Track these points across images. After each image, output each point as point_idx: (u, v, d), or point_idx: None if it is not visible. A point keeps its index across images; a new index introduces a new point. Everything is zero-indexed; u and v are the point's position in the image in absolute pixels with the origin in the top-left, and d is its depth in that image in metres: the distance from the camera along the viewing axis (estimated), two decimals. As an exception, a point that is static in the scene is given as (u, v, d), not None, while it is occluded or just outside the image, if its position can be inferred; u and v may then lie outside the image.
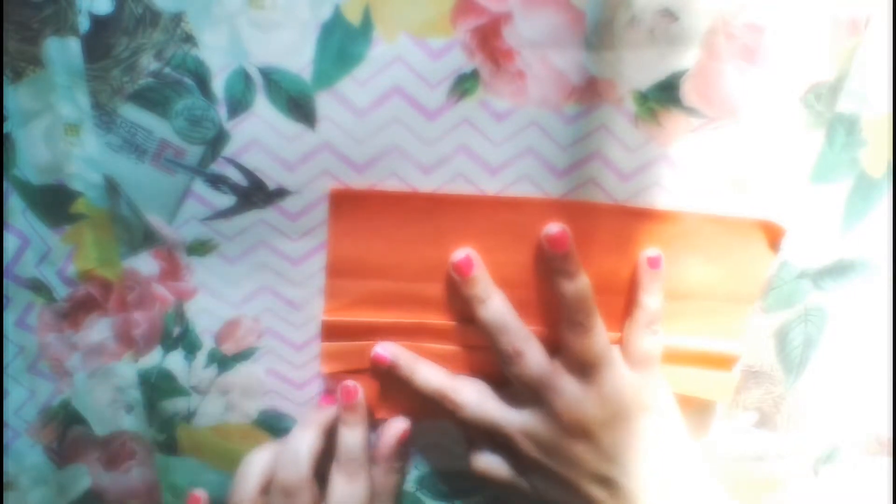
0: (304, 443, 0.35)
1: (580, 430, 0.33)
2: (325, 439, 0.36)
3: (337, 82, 0.30)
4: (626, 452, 0.33)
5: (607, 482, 0.33)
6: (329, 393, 0.38)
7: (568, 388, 0.33)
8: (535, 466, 0.34)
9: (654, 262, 0.33)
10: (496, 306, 0.33)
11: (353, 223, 0.33)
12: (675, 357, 0.35)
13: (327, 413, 0.37)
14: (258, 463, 0.36)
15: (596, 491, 0.33)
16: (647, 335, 0.33)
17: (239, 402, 0.39)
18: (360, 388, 0.36)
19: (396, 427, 0.37)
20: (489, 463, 0.36)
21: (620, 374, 0.33)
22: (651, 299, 0.33)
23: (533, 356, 0.33)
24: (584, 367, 0.33)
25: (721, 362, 0.36)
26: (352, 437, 0.36)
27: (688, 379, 0.36)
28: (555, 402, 0.33)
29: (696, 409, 0.38)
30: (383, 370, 0.36)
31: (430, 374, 0.35)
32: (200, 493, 0.39)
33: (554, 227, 0.32)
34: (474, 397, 0.35)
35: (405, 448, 0.38)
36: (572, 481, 0.33)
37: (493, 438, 0.36)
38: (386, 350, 0.35)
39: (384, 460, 0.37)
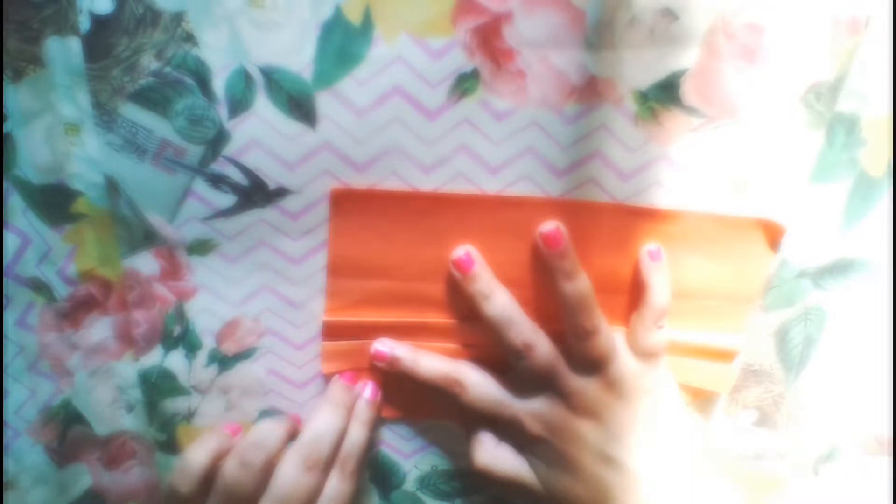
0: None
1: (587, 410, 0.33)
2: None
3: (337, 82, 0.30)
4: (631, 434, 0.33)
5: (613, 462, 0.33)
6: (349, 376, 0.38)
7: (575, 374, 0.34)
8: (541, 449, 0.35)
9: (654, 255, 0.33)
10: (501, 301, 0.33)
11: (353, 223, 0.33)
12: (676, 349, 0.36)
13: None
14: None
15: (601, 471, 0.33)
16: (654, 331, 0.34)
17: (239, 402, 0.39)
18: (376, 392, 0.37)
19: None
20: (491, 457, 0.36)
21: (625, 363, 0.34)
22: (658, 296, 0.33)
23: (542, 348, 0.33)
24: (590, 366, 0.33)
25: (721, 355, 0.37)
26: (359, 435, 0.36)
27: (689, 370, 0.36)
28: (562, 385, 0.33)
29: (697, 400, 0.38)
30: (384, 367, 0.36)
31: (433, 362, 0.35)
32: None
33: (549, 225, 0.32)
34: (479, 379, 0.35)
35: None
36: (578, 461, 0.33)
37: (496, 425, 0.36)
38: (385, 346, 0.36)
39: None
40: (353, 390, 0.37)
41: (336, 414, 0.36)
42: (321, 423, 0.36)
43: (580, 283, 0.32)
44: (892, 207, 0.34)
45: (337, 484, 0.36)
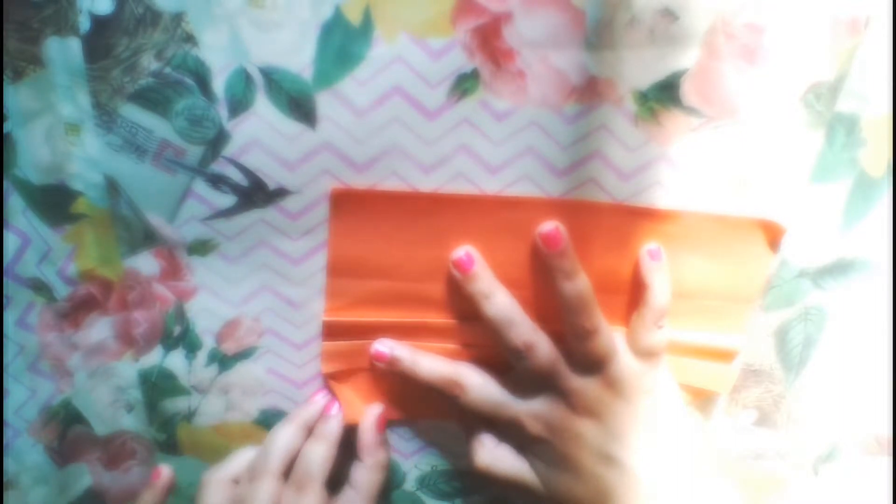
0: (318, 456, 0.36)
1: (587, 410, 0.33)
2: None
3: (337, 82, 0.30)
4: (631, 433, 0.33)
5: (613, 462, 0.33)
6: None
7: (575, 373, 0.33)
8: (541, 449, 0.35)
9: (654, 254, 0.33)
10: (501, 301, 0.33)
11: (353, 223, 0.33)
12: (676, 349, 0.36)
13: (337, 425, 0.37)
14: (284, 440, 0.37)
15: (602, 470, 0.33)
16: (654, 331, 0.34)
17: (239, 402, 0.39)
18: (339, 409, 0.37)
19: (372, 414, 0.37)
20: (491, 457, 0.36)
21: (625, 363, 0.33)
22: (658, 296, 0.33)
23: (542, 348, 0.33)
24: (590, 366, 0.33)
25: (721, 355, 0.37)
26: (315, 453, 0.36)
27: (688, 370, 0.36)
28: (563, 385, 0.33)
29: (697, 400, 0.38)
30: (384, 367, 0.36)
31: (433, 363, 0.35)
32: (164, 470, 0.40)
33: (548, 226, 0.32)
34: (479, 380, 0.35)
35: (385, 441, 0.38)
36: (578, 461, 0.33)
37: (496, 425, 0.36)
38: (385, 346, 0.36)
39: (367, 454, 0.37)
40: (313, 405, 0.37)
41: (283, 428, 0.37)
42: (311, 450, 0.36)
43: (580, 283, 0.32)
44: (892, 207, 0.34)
45: (292, 499, 0.35)
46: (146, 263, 0.35)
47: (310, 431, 0.37)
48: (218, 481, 0.37)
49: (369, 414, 0.37)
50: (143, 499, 0.39)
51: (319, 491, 0.36)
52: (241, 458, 0.38)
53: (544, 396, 0.34)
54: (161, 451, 0.40)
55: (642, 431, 0.33)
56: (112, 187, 0.33)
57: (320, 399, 0.38)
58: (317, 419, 0.37)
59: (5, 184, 0.34)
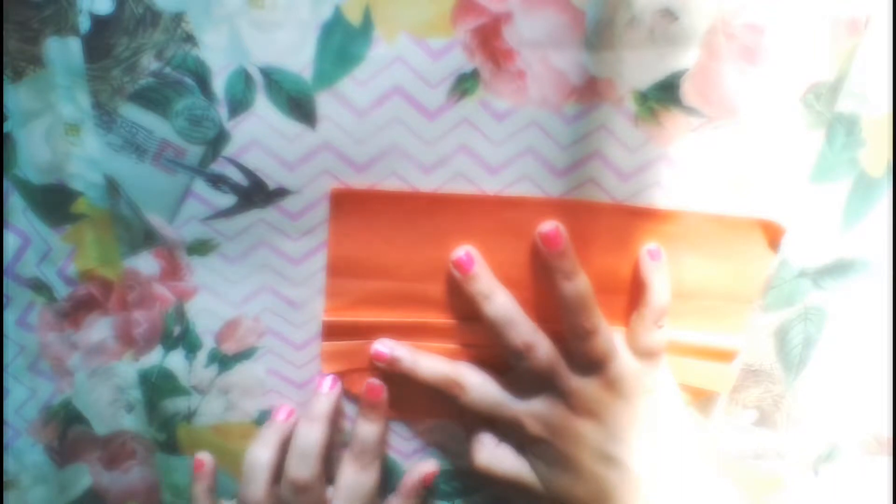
0: (312, 439, 0.35)
1: (587, 410, 0.33)
2: (330, 429, 0.37)
3: (337, 82, 0.30)
4: (631, 433, 0.33)
5: (613, 461, 0.33)
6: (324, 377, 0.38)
7: (575, 374, 0.34)
8: (541, 449, 0.35)
9: (654, 254, 0.33)
10: (501, 301, 0.33)
11: (353, 223, 0.33)
12: (676, 349, 0.36)
13: (329, 403, 0.37)
14: (264, 458, 0.36)
15: (602, 470, 0.33)
16: (654, 331, 0.34)
17: (239, 402, 0.39)
18: (384, 388, 0.37)
19: (424, 468, 0.39)
20: (491, 457, 0.36)
21: (625, 363, 0.34)
22: (658, 296, 0.33)
23: (542, 348, 0.33)
24: (590, 366, 0.33)
25: (721, 355, 0.37)
26: (369, 431, 0.36)
27: (688, 369, 0.36)
28: (562, 385, 0.33)
29: (697, 400, 0.38)
30: (384, 367, 0.36)
31: (433, 363, 0.35)
32: (205, 457, 0.39)
33: (548, 226, 0.32)
34: (479, 380, 0.35)
35: (427, 490, 0.39)
36: (578, 461, 0.33)
37: (496, 425, 0.36)
38: (385, 346, 0.36)
39: (405, 496, 0.39)
40: (326, 398, 0.37)
41: (308, 428, 0.36)
42: (364, 430, 0.37)
43: (580, 283, 0.32)
44: (892, 207, 0.34)
45: (354, 476, 0.37)
46: (146, 263, 0.35)
47: (330, 423, 0.37)
48: (260, 501, 0.36)
49: (419, 468, 0.39)
50: (197, 489, 0.39)
51: (379, 466, 0.37)
52: (265, 465, 0.36)
53: (544, 396, 0.34)
54: (161, 451, 0.40)
55: (642, 431, 0.33)
56: (112, 187, 0.33)
57: (327, 390, 0.37)
58: (331, 409, 0.37)
59: (5, 184, 0.34)
